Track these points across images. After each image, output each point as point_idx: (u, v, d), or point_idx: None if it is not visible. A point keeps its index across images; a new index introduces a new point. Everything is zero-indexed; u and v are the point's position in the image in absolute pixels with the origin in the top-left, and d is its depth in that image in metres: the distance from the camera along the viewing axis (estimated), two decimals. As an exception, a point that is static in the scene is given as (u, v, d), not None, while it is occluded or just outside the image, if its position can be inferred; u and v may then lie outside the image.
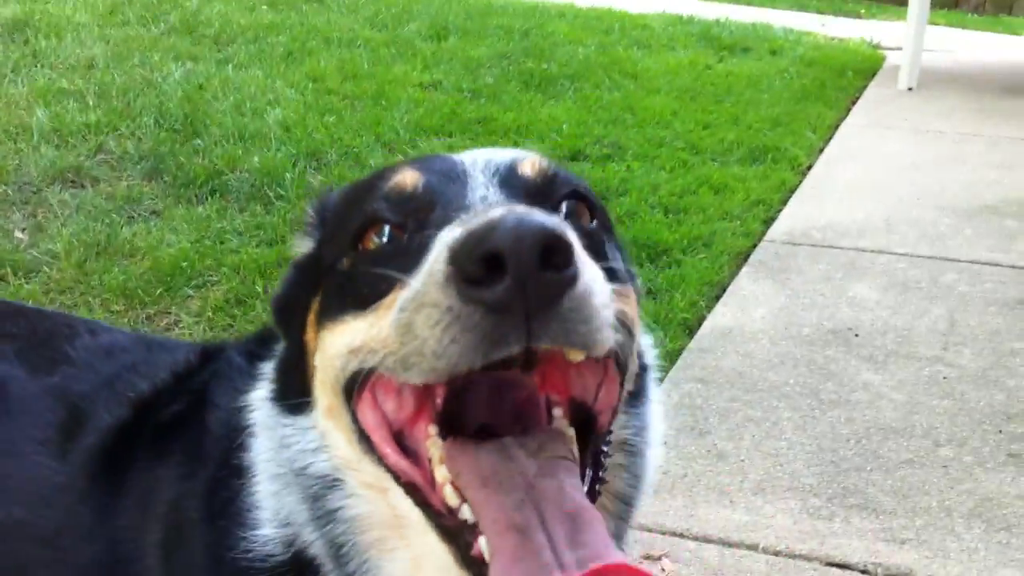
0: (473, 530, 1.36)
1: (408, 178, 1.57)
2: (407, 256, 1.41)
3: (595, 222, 1.65)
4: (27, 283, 5.94)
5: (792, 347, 5.68)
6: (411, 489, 1.47)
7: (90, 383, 2.22)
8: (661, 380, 5.14)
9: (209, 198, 7.33)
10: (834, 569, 3.92)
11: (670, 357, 5.55)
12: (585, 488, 1.42)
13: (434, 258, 1.28)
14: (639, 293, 1.77)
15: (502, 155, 1.66)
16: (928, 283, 6.55)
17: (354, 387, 1.48)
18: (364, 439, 1.52)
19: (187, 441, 1.97)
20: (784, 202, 8.11)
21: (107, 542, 1.98)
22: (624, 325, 1.44)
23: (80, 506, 2.03)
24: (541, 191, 1.57)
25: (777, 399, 5.12)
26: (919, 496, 4.35)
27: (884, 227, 7.54)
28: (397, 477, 1.48)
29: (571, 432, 1.46)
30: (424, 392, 1.41)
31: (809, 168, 9.00)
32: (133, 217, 7.01)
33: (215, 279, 6.17)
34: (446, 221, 1.37)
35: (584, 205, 1.64)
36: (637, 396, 1.71)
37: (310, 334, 1.66)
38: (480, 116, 9.73)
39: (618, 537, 1.64)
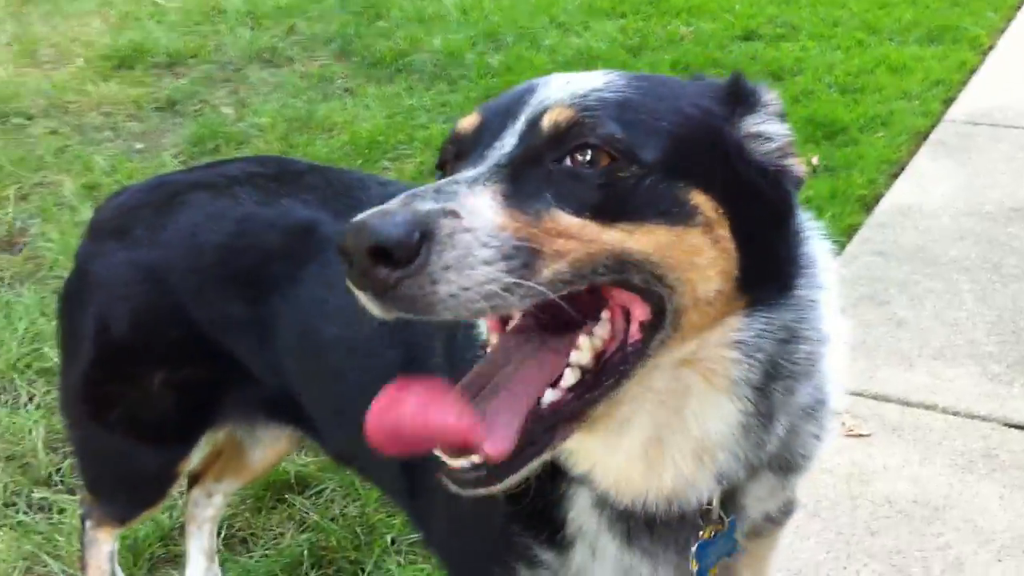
0: None
1: (465, 124, 1.77)
2: None
3: (612, 163, 1.62)
4: (238, 153, 6.42)
5: (973, 224, 5.74)
6: None
7: None
8: (840, 252, 5.32)
9: (397, 77, 7.69)
10: (1012, 430, 4.09)
11: (847, 232, 5.69)
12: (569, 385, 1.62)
13: None
14: (717, 222, 1.69)
15: (552, 98, 1.68)
16: (1115, 163, 6.47)
17: None
18: None
19: None
20: (964, 82, 7.99)
21: (404, 346, 2.31)
22: (630, 263, 1.59)
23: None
24: (553, 142, 1.62)
25: (957, 272, 5.23)
26: (1100, 366, 4.45)
27: (1070, 108, 7.40)
28: None
29: (581, 340, 1.63)
30: None
31: (990, 48, 8.80)
32: (328, 95, 7.42)
33: (408, 152, 6.54)
34: (458, 169, 1.63)
35: (601, 151, 1.62)
36: (757, 302, 1.78)
37: None
38: (652, -4, 9.78)
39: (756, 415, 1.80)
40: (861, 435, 4.06)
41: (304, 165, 2.90)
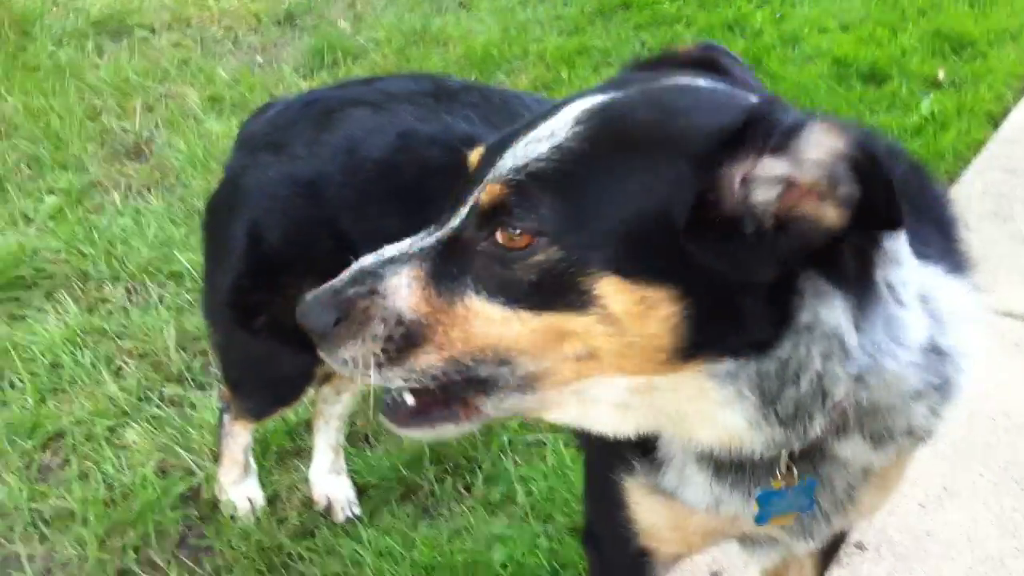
0: None
1: (471, 159, 1.81)
2: None
3: (528, 246, 1.60)
4: (356, 67, 6.51)
5: (1104, 139, 5.55)
6: None
7: None
8: (964, 168, 5.20)
9: (512, -10, 7.67)
10: None
11: (973, 147, 5.54)
12: None
13: None
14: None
15: (499, 168, 1.68)
16: None
17: None
18: None
19: None
20: (1104, -8, 7.64)
21: None
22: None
23: None
24: (483, 220, 1.65)
25: (1087, 188, 5.08)
26: None
27: None
28: None
29: None
30: None
31: None
32: (442, 8, 7.45)
33: (522, 66, 6.55)
34: (439, 223, 1.76)
35: (520, 233, 1.61)
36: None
37: None
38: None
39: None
40: (980, 350, 4.01)
41: (459, 83, 2.89)
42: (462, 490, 3.54)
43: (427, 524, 3.39)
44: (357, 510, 3.48)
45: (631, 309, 1.55)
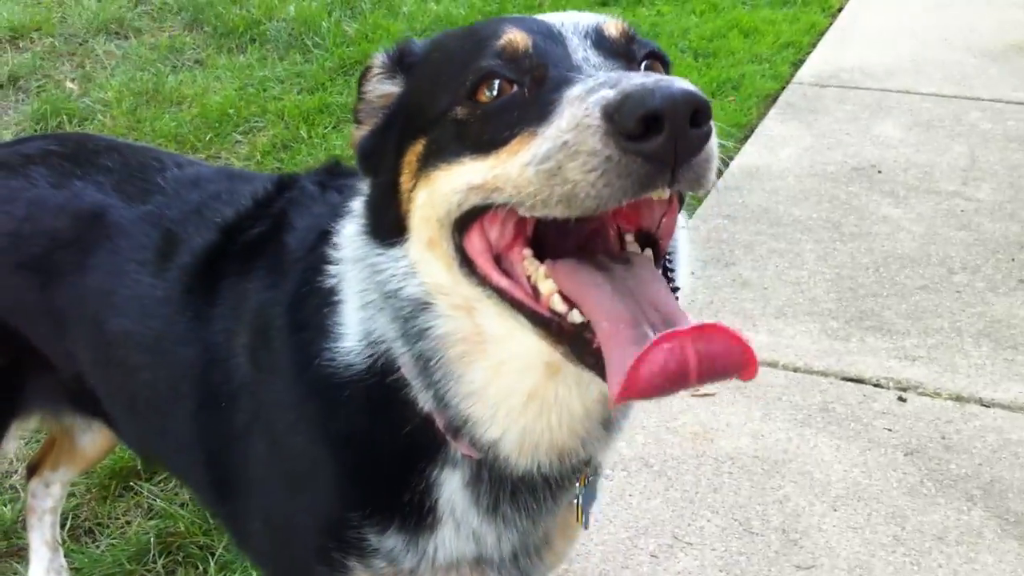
0: (588, 327, 1.56)
1: (519, 38, 1.67)
2: (530, 109, 1.57)
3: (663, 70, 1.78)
4: (83, 130, 6.22)
5: (816, 184, 5.92)
6: (515, 304, 1.66)
7: (180, 210, 2.46)
8: (690, 216, 5.42)
9: (249, 47, 7.52)
10: (849, 383, 4.25)
11: (698, 196, 5.79)
12: None
13: (579, 113, 1.44)
14: None
15: (586, 18, 1.75)
16: (951, 121, 6.73)
17: (465, 220, 1.68)
18: (466, 264, 1.71)
19: (270, 257, 2.22)
20: (813, 45, 8.21)
21: (202, 345, 2.25)
22: None
23: (177, 316, 2.30)
24: (626, 52, 1.68)
25: (800, 232, 5.39)
26: (932, 318, 4.64)
27: (911, 68, 7.66)
28: (500, 295, 1.68)
29: (648, 253, 1.68)
30: (519, 222, 1.64)
31: (839, 11, 9.04)
32: (177, 66, 7.23)
33: (261, 125, 6.42)
34: (564, 80, 1.55)
35: (659, 63, 1.76)
36: None
37: (406, 176, 1.78)
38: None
39: None
40: (706, 395, 4.17)
41: (104, 143, 2.78)
42: (195, 580, 3.39)
43: (154, 620, 3.23)
44: (78, 611, 3.27)
45: None
